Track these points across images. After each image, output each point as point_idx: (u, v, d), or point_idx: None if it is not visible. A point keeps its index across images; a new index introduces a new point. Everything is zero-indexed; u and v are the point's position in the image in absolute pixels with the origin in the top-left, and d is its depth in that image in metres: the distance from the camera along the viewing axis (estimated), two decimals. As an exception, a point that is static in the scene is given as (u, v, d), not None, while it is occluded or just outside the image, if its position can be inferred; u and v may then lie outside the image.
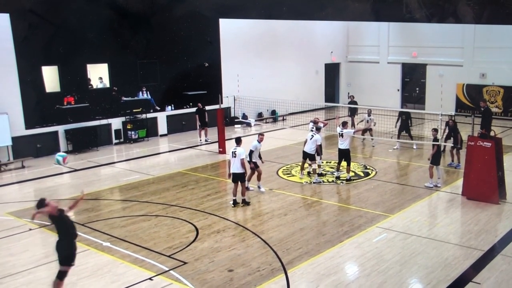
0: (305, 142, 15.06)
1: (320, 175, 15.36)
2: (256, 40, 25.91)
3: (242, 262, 9.55)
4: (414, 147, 19.16)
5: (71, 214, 12.72)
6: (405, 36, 28.65)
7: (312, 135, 14.93)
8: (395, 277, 8.83)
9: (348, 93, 24.45)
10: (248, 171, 13.46)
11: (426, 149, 19.00)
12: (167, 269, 9.32)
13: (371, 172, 15.86)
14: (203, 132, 20.86)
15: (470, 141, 12.95)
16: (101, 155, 19.15)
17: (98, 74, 20.89)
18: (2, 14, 17.27)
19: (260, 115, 26.09)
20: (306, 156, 15.13)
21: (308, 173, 15.52)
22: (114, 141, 20.90)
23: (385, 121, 20.54)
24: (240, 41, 25.18)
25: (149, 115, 21.83)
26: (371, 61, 30.26)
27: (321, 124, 15.62)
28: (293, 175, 15.58)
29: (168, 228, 11.38)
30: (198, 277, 8.97)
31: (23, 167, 17.42)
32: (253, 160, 13.66)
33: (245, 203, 12.67)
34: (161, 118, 22.62)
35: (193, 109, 22.66)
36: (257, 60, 25.96)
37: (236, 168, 12.52)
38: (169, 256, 9.86)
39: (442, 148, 17.73)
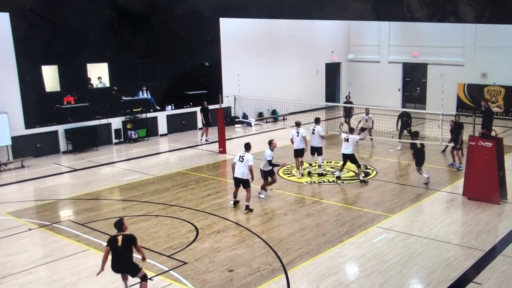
0: (299, 138, 15.02)
1: (320, 175, 15.36)
2: (256, 39, 25.88)
3: (242, 262, 9.52)
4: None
5: (70, 214, 12.76)
6: (406, 36, 28.63)
7: (313, 128, 15.28)
8: (395, 278, 8.81)
9: (349, 93, 24.43)
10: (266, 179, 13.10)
11: (427, 149, 18.95)
12: (167, 269, 9.30)
13: (372, 172, 15.83)
14: (205, 132, 20.87)
15: (471, 141, 12.91)
16: (101, 154, 19.13)
17: (98, 74, 20.86)
18: (2, 13, 17.25)
19: (260, 114, 26.07)
20: (315, 150, 15.25)
21: (309, 173, 15.50)
22: (114, 140, 20.88)
23: (385, 121, 20.51)
24: (240, 40, 25.16)
25: (149, 115, 21.81)
26: (372, 61, 30.24)
27: (320, 129, 15.53)
28: (293, 175, 15.55)
29: (168, 228, 11.35)
30: (198, 277, 8.94)
31: (22, 166, 17.40)
32: (268, 169, 13.06)
33: (249, 209, 12.34)
34: (161, 117, 22.60)
35: (194, 109, 22.73)
36: (257, 60, 25.94)
37: (241, 173, 12.13)
38: (169, 256, 9.84)
39: (443, 148, 17.77)
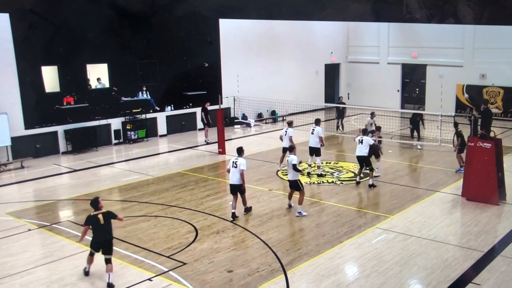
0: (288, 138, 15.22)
1: (320, 175, 15.38)
2: (256, 40, 25.89)
3: (241, 263, 9.53)
4: (419, 147, 19.24)
5: (69, 215, 12.75)
6: (405, 37, 28.64)
7: (312, 129, 15.36)
8: (395, 278, 8.82)
9: (348, 94, 24.47)
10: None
11: (426, 149, 19.02)
12: (166, 269, 9.31)
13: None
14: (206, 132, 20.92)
15: (470, 142, 12.93)
16: (100, 155, 19.13)
17: (98, 74, 20.86)
18: (2, 14, 17.25)
19: (260, 115, 26.07)
20: (313, 151, 15.29)
21: (308, 173, 15.51)
22: (114, 141, 20.88)
23: (385, 122, 20.52)
24: (240, 41, 25.17)
25: (149, 115, 21.80)
26: (371, 62, 30.26)
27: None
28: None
29: (167, 229, 11.36)
30: (198, 278, 8.95)
31: (22, 167, 17.40)
32: (296, 179, 12.20)
33: (248, 210, 12.29)
34: (161, 118, 22.60)
35: (194, 109, 22.71)
36: (257, 61, 25.94)
37: (235, 179, 11.78)
38: (168, 257, 9.85)
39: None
